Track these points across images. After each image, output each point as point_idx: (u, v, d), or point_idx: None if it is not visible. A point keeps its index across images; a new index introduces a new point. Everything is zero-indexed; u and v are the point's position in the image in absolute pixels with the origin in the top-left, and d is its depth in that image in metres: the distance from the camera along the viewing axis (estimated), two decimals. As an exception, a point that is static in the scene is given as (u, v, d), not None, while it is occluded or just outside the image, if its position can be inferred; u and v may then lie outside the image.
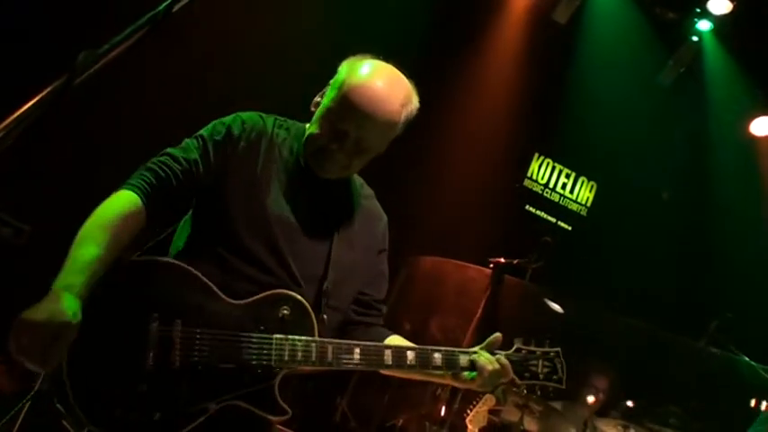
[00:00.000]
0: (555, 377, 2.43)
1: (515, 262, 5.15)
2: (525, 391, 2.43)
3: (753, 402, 6.08)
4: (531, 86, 7.44)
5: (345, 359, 2.13)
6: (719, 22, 7.03)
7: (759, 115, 7.15)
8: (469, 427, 4.79)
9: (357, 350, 2.14)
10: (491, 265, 5.24)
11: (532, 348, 2.43)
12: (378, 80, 2.21)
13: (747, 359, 5.56)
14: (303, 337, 2.09)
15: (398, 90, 2.25)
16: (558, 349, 2.47)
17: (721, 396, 6.13)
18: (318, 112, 2.26)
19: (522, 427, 5.17)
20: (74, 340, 1.87)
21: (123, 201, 2.08)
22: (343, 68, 2.27)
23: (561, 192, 7.87)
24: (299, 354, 2.07)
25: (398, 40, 5.98)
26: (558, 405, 5.55)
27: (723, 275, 7.25)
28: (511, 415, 5.23)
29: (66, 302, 1.82)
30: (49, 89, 1.37)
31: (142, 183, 2.12)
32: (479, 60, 7.43)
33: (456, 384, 2.39)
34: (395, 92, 2.24)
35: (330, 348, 2.11)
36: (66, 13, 4.87)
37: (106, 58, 1.45)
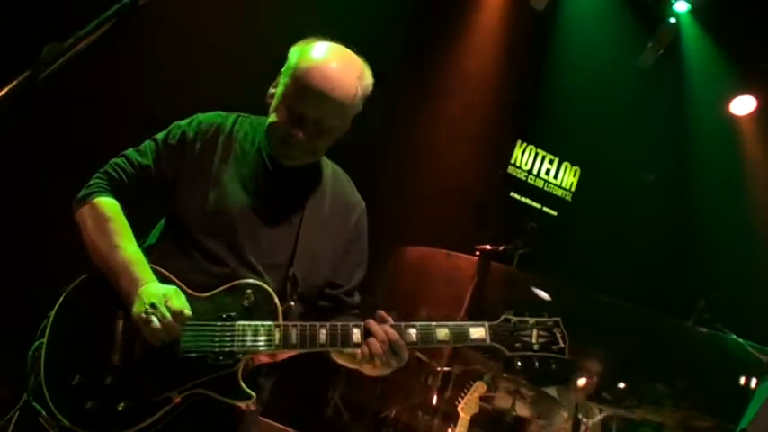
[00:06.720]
0: (555, 347, 2.22)
1: (501, 249, 5.16)
2: (519, 364, 2.24)
3: (743, 380, 6.12)
4: (511, 74, 7.45)
5: (310, 340, 2.10)
6: (697, 2, 7.06)
7: (738, 94, 7.19)
8: (461, 414, 4.79)
9: (323, 330, 2.12)
10: (477, 253, 5.25)
11: (524, 318, 2.23)
12: (329, 59, 2.19)
13: (735, 337, 5.60)
14: (266, 322, 2.09)
15: (350, 66, 2.23)
16: (558, 318, 2.26)
17: (710, 374, 6.17)
18: (275, 101, 2.25)
19: (514, 413, 5.18)
20: (48, 344, 2.03)
21: (109, 204, 2.21)
22: (293, 53, 2.25)
23: (545, 178, 7.89)
24: (262, 338, 2.07)
25: (378, 32, 5.98)
26: (550, 390, 5.57)
27: (708, 254, 7.30)
28: (503, 401, 5.24)
29: (152, 288, 2.05)
30: (13, 84, 1.35)
31: (103, 186, 2.23)
32: (459, 49, 7.44)
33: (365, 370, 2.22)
34: (347, 68, 2.22)
35: (294, 331, 2.09)
36: (30, 5, 4.80)
37: (71, 51, 1.43)
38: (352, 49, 2.29)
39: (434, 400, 5.23)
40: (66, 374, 2.01)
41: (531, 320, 2.24)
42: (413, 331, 2.15)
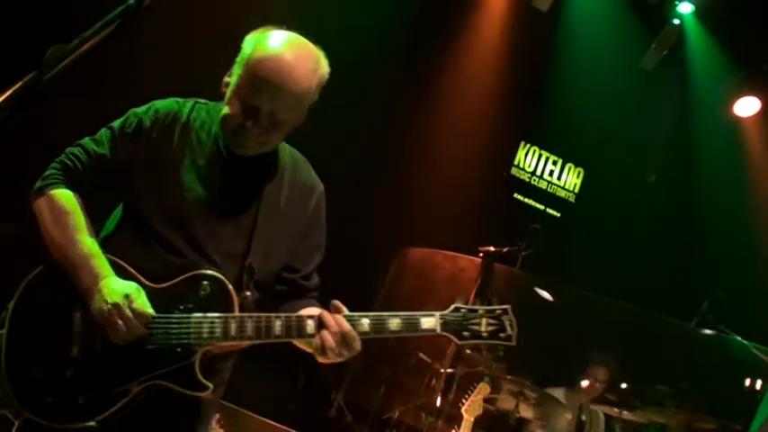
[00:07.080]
0: (502, 335, 2.28)
1: (505, 250, 5.14)
2: (469, 351, 2.29)
3: (747, 382, 6.11)
4: (514, 75, 7.45)
5: (266, 331, 2.13)
6: (700, 4, 7.06)
7: (742, 96, 7.18)
8: (465, 416, 4.78)
9: (278, 322, 2.14)
10: (481, 255, 5.23)
11: (474, 307, 2.29)
12: (283, 50, 2.16)
13: (739, 338, 5.59)
14: (222, 314, 2.11)
15: (306, 57, 2.20)
16: (507, 306, 2.32)
17: (714, 376, 6.16)
18: (229, 92, 2.22)
19: (517, 415, 5.17)
20: (8, 336, 2.05)
21: (65, 195, 2.19)
22: (248, 43, 2.22)
23: (549, 179, 7.89)
24: (218, 330, 2.10)
25: (379, 32, 5.97)
26: (556, 392, 5.56)
27: (712, 256, 7.29)
28: (506, 403, 5.23)
29: (111, 284, 2.05)
30: (18, 85, 1.35)
31: (59, 177, 2.22)
32: (461, 50, 7.44)
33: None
34: (302, 59, 2.18)
35: (249, 323, 2.12)
36: (34, 6, 4.80)
37: (76, 53, 1.43)
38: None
39: (438, 402, 5.21)
40: (26, 366, 2.04)
41: (481, 309, 2.30)
42: (365, 321, 2.19)
